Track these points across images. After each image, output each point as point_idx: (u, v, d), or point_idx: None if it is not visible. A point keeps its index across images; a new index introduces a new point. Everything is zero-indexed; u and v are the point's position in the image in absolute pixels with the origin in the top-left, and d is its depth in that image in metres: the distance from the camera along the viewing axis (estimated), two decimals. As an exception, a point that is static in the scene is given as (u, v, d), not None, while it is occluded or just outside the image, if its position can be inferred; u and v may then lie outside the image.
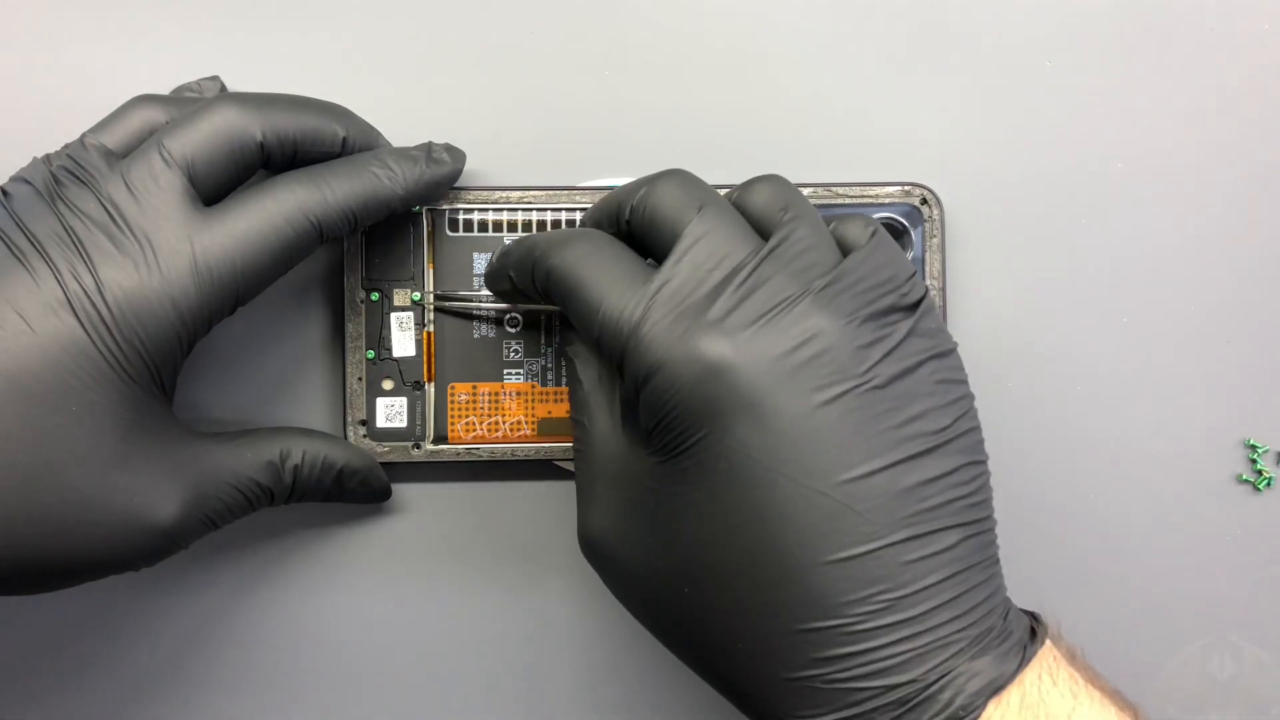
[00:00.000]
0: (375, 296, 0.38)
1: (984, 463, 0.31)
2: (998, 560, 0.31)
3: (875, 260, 0.31)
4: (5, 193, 0.32)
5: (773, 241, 0.31)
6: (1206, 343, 0.39)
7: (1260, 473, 0.39)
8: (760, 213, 0.32)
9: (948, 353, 0.31)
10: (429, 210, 0.37)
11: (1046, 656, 0.30)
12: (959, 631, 0.29)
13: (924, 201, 0.38)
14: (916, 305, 0.31)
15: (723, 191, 0.33)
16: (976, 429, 0.31)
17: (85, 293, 0.31)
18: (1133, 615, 0.39)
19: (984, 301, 0.39)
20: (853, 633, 0.29)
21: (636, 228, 0.33)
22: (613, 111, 0.39)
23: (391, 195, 0.35)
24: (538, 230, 0.38)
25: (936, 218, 0.38)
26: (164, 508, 0.32)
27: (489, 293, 0.37)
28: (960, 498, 0.30)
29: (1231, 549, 0.39)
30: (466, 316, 0.38)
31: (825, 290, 0.30)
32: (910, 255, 0.38)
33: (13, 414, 0.30)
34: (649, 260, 0.33)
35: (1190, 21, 0.39)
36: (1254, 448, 0.39)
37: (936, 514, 0.29)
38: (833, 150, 0.39)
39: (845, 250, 0.31)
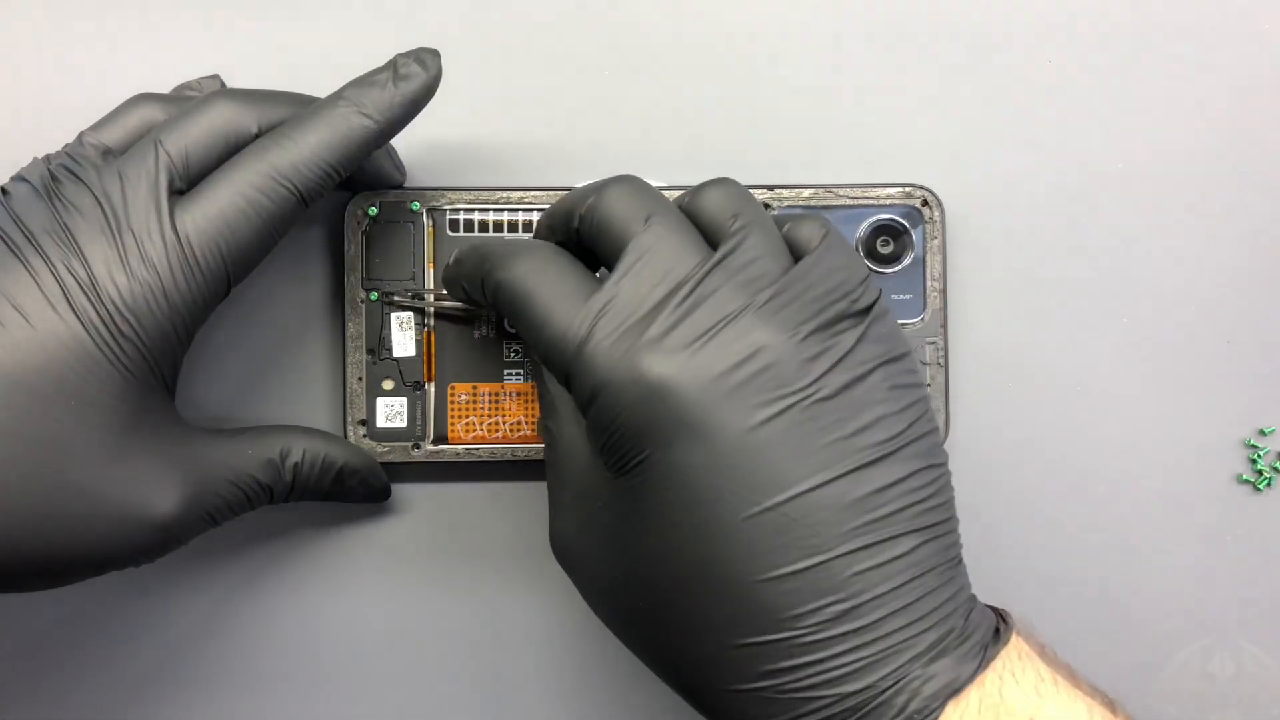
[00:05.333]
0: (375, 296, 0.38)
1: (942, 465, 0.31)
2: (959, 560, 0.31)
3: (825, 266, 0.30)
4: (4, 191, 0.32)
5: (719, 253, 0.30)
6: (1206, 343, 0.39)
7: (1260, 473, 0.39)
8: (710, 220, 0.31)
9: (901, 357, 0.31)
10: (429, 210, 0.37)
11: (1011, 655, 0.30)
12: (914, 636, 0.29)
13: (925, 203, 0.38)
14: (868, 310, 0.30)
15: (676, 194, 0.32)
16: (932, 432, 0.31)
17: (81, 288, 0.31)
18: (1133, 615, 0.39)
19: (985, 302, 0.39)
20: (802, 644, 0.28)
21: (586, 237, 0.32)
22: (612, 111, 0.39)
23: (366, 132, 0.33)
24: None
25: (937, 219, 0.38)
26: (163, 502, 0.32)
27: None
28: (916, 503, 0.29)
29: (1231, 549, 0.39)
30: (422, 311, 0.37)
31: (770, 303, 0.29)
32: (911, 257, 0.38)
33: (12, 410, 0.30)
34: (600, 271, 0.32)
35: (1191, 22, 0.39)
36: (1254, 448, 0.39)
37: (890, 521, 0.29)
38: (833, 151, 0.39)
39: (798, 254, 0.31)
